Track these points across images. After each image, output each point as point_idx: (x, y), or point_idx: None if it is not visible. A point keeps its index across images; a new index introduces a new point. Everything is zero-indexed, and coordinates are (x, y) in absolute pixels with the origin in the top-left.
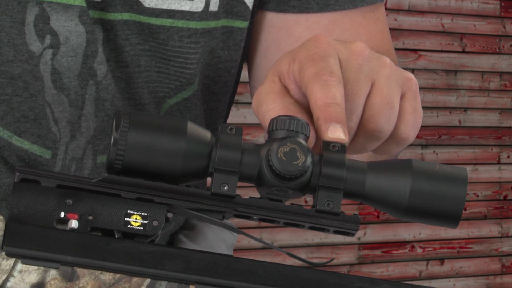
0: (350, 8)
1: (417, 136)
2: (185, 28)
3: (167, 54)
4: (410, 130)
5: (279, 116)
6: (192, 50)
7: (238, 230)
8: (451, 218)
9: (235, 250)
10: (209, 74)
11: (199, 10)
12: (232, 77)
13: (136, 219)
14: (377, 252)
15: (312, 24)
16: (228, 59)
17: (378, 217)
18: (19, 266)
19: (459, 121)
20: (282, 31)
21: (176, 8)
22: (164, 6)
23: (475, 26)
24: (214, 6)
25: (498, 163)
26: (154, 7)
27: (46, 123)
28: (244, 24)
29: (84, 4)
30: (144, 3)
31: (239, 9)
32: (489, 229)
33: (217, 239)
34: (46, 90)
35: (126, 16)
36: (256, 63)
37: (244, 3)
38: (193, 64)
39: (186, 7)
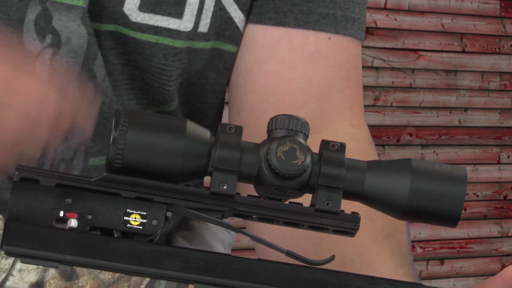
0: (332, 32)
1: (417, 136)
2: (171, 46)
3: (150, 69)
4: None
5: (278, 115)
6: (174, 68)
7: (238, 230)
8: (451, 217)
9: (236, 250)
10: (195, 91)
11: (187, 30)
12: (219, 99)
13: (135, 218)
14: None
15: (296, 47)
16: (217, 81)
17: None
18: (18, 265)
19: (459, 121)
20: (265, 51)
21: (164, 26)
22: (151, 22)
23: (475, 26)
24: (204, 27)
25: (498, 163)
26: (140, 22)
27: None
28: (235, 49)
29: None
30: (130, 17)
31: (231, 33)
32: (489, 229)
33: (214, 238)
34: None
35: (111, 27)
36: (239, 84)
37: (237, 27)
38: (173, 81)
39: (174, 25)
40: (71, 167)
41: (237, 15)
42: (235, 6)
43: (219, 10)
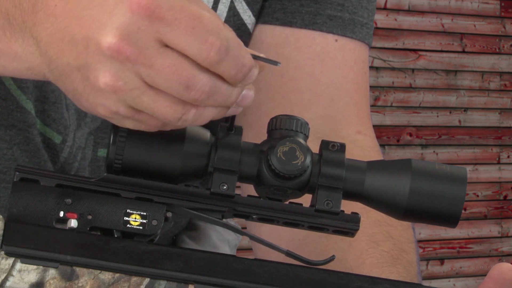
0: (339, 34)
1: (417, 136)
2: None
3: None
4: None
5: (279, 115)
6: None
7: (239, 230)
8: (451, 218)
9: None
10: None
11: None
12: None
13: (135, 218)
14: None
15: (303, 47)
16: None
17: None
18: (18, 265)
19: (459, 121)
20: (271, 50)
21: None
22: None
23: (475, 26)
24: None
25: (498, 163)
26: None
27: (61, 107)
28: None
29: None
30: None
31: (244, 40)
32: (489, 229)
33: (221, 239)
34: None
35: None
36: None
37: (250, 33)
38: None
39: None
40: (85, 156)
41: (251, 22)
42: (249, 13)
43: (233, 16)
